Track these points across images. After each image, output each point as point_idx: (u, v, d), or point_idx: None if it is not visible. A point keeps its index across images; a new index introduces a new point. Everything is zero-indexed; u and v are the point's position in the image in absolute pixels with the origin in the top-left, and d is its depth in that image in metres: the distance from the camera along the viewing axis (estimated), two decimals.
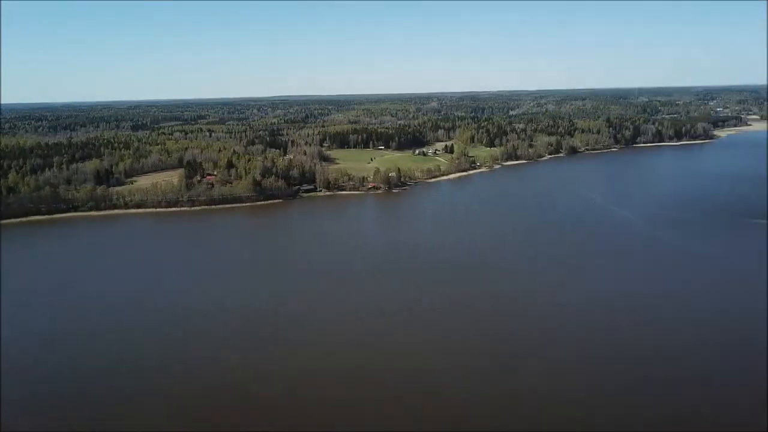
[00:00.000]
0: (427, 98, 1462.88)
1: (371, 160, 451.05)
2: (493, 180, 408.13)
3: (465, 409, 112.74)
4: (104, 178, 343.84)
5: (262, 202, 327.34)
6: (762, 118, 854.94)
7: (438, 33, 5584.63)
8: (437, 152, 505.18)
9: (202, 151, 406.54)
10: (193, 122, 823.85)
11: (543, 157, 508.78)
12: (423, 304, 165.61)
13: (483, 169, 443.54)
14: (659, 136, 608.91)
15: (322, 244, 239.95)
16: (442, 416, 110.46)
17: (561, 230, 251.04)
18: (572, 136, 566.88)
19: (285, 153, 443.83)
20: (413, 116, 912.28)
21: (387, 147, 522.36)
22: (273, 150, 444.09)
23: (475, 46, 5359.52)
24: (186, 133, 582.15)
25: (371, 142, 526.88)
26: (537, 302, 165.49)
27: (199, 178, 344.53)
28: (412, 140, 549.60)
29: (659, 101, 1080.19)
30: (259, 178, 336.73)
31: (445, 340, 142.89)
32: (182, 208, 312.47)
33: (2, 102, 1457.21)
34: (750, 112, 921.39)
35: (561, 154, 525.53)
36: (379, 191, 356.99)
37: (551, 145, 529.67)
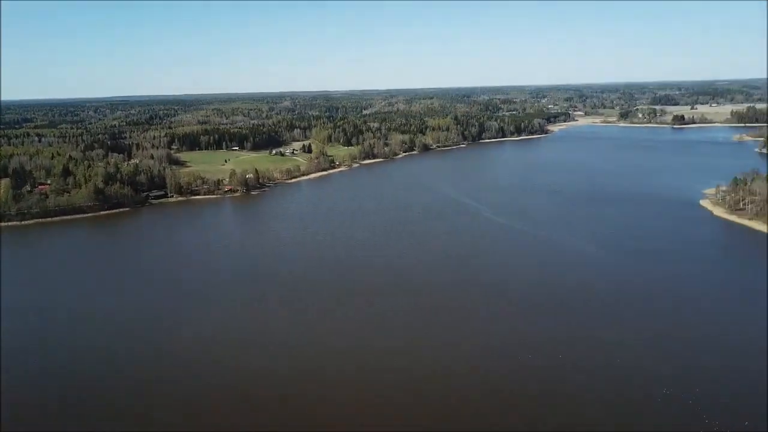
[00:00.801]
0: (279, 97, 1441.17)
1: (226, 161, 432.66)
2: (354, 178, 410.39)
3: None
4: None
5: (107, 212, 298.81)
6: (586, 114, 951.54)
7: (287, 32, 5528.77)
8: (295, 152, 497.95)
9: (31, 158, 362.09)
10: (17, 126, 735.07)
11: (398, 155, 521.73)
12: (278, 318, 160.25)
13: (342, 168, 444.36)
14: (502, 132, 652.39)
15: (176, 256, 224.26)
16: None
17: (429, 225, 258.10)
18: (424, 134, 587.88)
19: (129, 157, 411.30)
20: (267, 116, 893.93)
21: (242, 148, 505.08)
22: (116, 155, 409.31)
23: (327, 46, 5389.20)
24: (9, 139, 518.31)
25: (224, 143, 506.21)
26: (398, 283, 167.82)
27: (29, 189, 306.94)
28: (268, 140, 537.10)
29: (499, 99, 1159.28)
30: (101, 185, 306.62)
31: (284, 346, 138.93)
32: (10, 223, 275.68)
33: None
34: (576, 109, 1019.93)
35: (415, 152, 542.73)
36: (237, 194, 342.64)
37: (405, 143, 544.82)
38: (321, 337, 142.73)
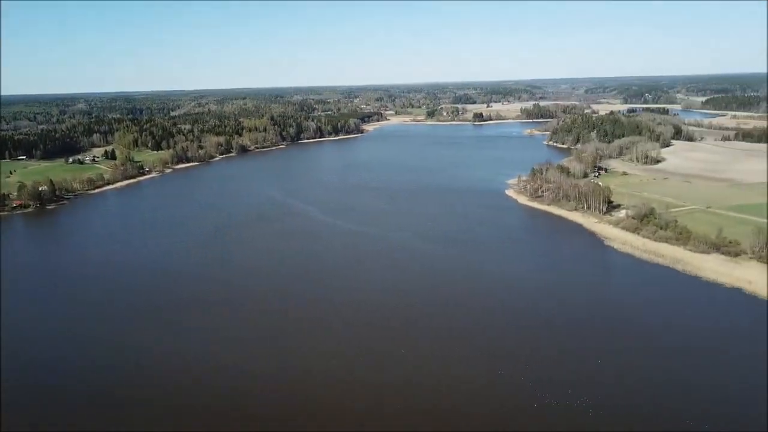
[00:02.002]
0: (72, 99, 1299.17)
1: (11, 173, 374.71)
2: (167, 185, 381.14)
3: None
4: None
5: None
6: (396, 113, 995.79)
7: (78, 32, 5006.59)
8: (96, 159, 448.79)
9: None
10: None
11: (215, 157, 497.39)
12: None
13: (153, 174, 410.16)
14: (320, 132, 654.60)
15: None
16: None
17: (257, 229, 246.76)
18: (241, 135, 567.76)
19: None
20: (58, 120, 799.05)
21: (30, 157, 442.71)
22: None
23: (128, 46, 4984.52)
24: None
25: (7, 152, 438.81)
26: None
27: None
28: (63, 147, 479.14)
29: (313, 99, 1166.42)
30: None
31: None
32: None
33: None
34: (387, 109, 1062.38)
35: (232, 154, 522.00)
36: (29, 210, 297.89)
37: (221, 145, 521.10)
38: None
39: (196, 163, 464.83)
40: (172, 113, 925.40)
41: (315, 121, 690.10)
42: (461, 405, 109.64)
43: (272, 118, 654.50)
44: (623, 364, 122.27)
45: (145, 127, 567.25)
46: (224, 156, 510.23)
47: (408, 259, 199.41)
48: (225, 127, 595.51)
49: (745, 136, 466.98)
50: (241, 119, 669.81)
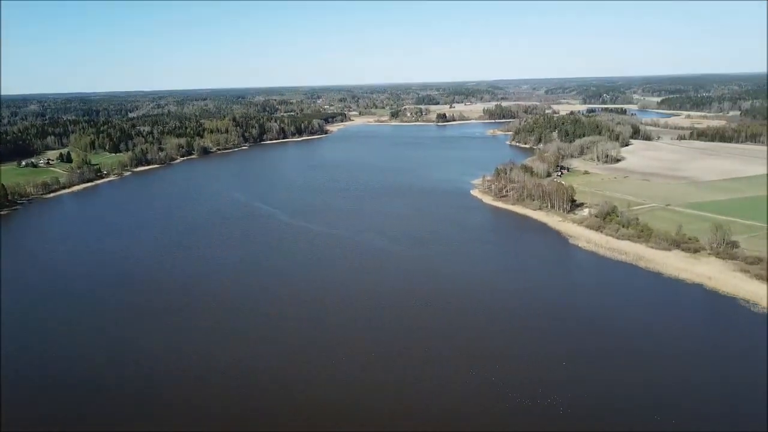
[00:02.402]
0: (23, 100, 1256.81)
1: None
2: (126, 188, 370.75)
3: None
4: None
5: None
6: (360, 114, 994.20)
7: (28, 32, 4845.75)
8: (51, 162, 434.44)
9: None
10: None
11: (176, 159, 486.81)
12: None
13: (112, 178, 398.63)
14: (283, 133, 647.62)
15: None
16: None
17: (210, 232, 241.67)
18: (202, 137, 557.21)
19: None
20: (9, 121, 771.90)
21: None
22: None
23: (83, 47, 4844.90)
24: None
25: None
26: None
27: None
28: (14, 150, 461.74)
29: (275, 100, 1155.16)
30: None
31: None
32: None
33: None
34: (350, 109, 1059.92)
35: (194, 156, 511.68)
36: None
37: (182, 147, 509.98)
38: None
39: (157, 166, 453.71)
40: (131, 114, 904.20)
41: (278, 122, 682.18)
42: (426, 406, 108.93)
43: (234, 119, 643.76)
44: (592, 364, 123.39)
45: (102, 128, 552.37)
46: (185, 158, 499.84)
47: (375, 261, 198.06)
48: (186, 128, 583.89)
49: (700, 135, 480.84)
50: (203, 120, 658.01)
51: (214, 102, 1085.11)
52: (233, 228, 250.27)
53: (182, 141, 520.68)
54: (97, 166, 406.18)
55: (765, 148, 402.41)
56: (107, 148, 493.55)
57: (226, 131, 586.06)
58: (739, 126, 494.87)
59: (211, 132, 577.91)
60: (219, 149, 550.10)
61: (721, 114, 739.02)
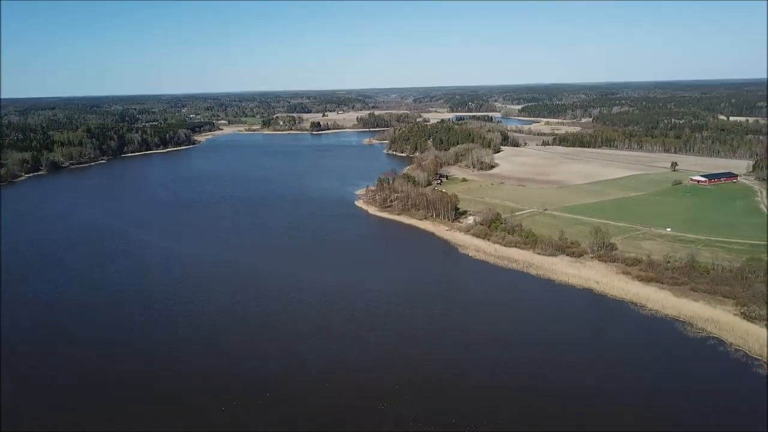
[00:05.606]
0: None
1: None
2: None
3: None
4: None
5: None
6: (230, 122, 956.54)
7: None
8: None
9: None
10: None
11: (19, 177, 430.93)
12: None
13: None
14: (146, 144, 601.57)
15: None
16: None
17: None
18: (51, 151, 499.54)
19: None
20: None
21: None
22: None
23: None
24: None
25: None
26: None
27: None
28: None
29: (135, 109, 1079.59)
30: None
31: None
32: None
33: None
34: (219, 118, 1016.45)
35: (42, 172, 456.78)
36: None
37: (27, 162, 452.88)
38: None
39: None
40: None
41: (140, 132, 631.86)
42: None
43: (89, 130, 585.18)
44: (493, 376, 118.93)
45: None
46: (31, 175, 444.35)
47: (257, 281, 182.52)
48: (31, 141, 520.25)
49: (562, 140, 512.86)
50: (51, 132, 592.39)
51: (64, 111, 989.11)
52: (80, 253, 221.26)
53: (27, 155, 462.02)
54: None
55: (619, 152, 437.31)
56: None
57: (80, 144, 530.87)
58: (595, 131, 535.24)
59: (62, 145, 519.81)
60: (72, 164, 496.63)
61: (575, 120, 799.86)
